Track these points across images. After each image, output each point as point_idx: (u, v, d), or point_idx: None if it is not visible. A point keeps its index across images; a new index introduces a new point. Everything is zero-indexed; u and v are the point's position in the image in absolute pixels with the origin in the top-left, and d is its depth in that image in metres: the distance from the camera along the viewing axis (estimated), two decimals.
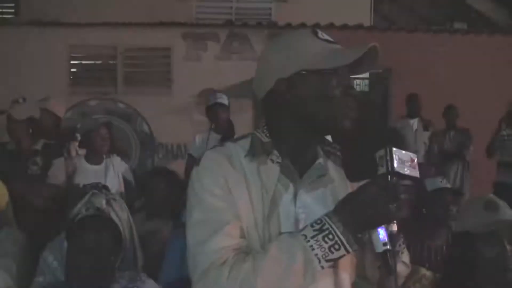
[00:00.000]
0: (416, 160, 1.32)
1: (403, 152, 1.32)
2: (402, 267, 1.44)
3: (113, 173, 4.63)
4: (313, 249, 1.30)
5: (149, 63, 8.04)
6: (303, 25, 7.73)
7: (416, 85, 7.44)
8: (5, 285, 2.44)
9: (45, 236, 3.18)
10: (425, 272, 2.93)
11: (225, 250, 1.33)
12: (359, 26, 8.09)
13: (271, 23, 8.35)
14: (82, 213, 2.16)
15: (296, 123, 1.45)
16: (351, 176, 1.42)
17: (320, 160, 1.47)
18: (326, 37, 1.46)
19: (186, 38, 7.99)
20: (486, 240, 1.99)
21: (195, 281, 1.36)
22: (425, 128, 7.03)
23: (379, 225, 1.31)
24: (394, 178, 1.29)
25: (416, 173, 1.31)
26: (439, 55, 7.97)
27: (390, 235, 1.31)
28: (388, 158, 1.30)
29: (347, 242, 1.30)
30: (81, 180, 4.43)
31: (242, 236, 1.37)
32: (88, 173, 4.51)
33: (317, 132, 1.47)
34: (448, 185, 3.44)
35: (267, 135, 1.47)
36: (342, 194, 1.39)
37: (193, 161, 5.62)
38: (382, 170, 1.31)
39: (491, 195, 2.17)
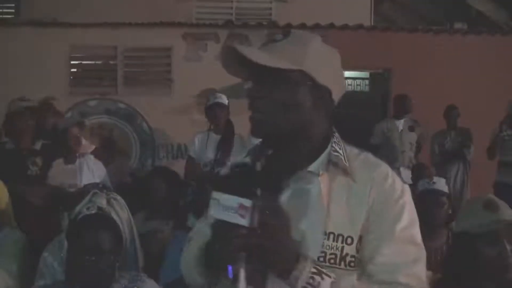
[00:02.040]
0: (249, 206, 1.26)
1: (230, 196, 1.28)
2: None
3: (88, 171, 4.65)
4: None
5: (149, 63, 8.04)
6: (303, 25, 7.73)
7: (416, 85, 7.44)
8: (5, 285, 2.44)
9: (45, 236, 3.18)
10: None
11: (194, 234, 1.62)
12: (359, 26, 8.09)
13: (271, 23, 8.35)
14: (83, 212, 2.16)
15: None
16: None
17: (311, 167, 1.46)
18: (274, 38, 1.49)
19: (186, 38, 7.98)
20: (486, 240, 1.99)
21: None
22: (411, 129, 7.02)
23: (226, 266, 1.33)
24: (216, 224, 1.30)
25: (242, 221, 1.26)
26: (439, 55, 7.97)
27: (235, 275, 1.32)
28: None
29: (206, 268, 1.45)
30: (57, 179, 4.48)
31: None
32: (63, 172, 4.55)
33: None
34: (439, 187, 3.44)
35: None
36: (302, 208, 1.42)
37: (192, 162, 5.63)
38: None
39: (491, 195, 2.17)
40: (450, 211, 3.40)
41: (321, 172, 1.45)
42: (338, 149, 1.49)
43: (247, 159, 1.52)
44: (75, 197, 2.42)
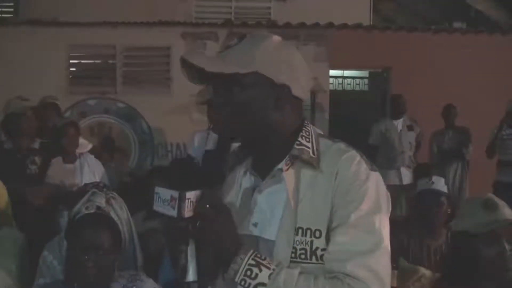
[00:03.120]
0: (176, 198, 1.33)
1: (165, 190, 1.36)
2: None
3: (88, 171, 4.66)
4: None
5: (149, 63, 8.03)
6: (302, 25, 7.73)
7: (415, 84, 7.45)
8: (5, 285, 2.44)
9: (44, 235, 3.18)
10: (424, 271, 2.93)
11: None
12: (359, 26, 8.08)
13: (270, 22, 8.35)
14: (82, 212, 2.16)
15: None
16: None
17: (281, 165, 1.47)
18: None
19: (186, 37, 7.98)
20: (485, 240, 1.99)
21: None
22: (410, 128, 7.02)
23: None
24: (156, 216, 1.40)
25: (170, 212, 1.34)
26: (438, 54, 7.97)
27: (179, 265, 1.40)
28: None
29: None
30: (56, 178, 4.48)
31: None
32: (63, 171, 4.55)
33: None
34: (438, 187, 3.44)
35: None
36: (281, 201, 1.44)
37: (192, 161, 5.62)
38: None
39: (490, 195, 2.17)
40: (449, 211, 3.40)
41: (285, 168, 1.45)
42: (304, 142, 1.47)
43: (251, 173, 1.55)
44: (75, 196, 2.42)
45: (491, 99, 6.98)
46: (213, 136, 5.53)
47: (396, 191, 6.09)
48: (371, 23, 8.79)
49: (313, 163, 1.43)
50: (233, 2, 8.72)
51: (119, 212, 2.22)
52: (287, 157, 1.46)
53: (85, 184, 4.04)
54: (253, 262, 1.35)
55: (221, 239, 1.36)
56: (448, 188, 3.59)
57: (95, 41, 7.75)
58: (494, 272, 1.98)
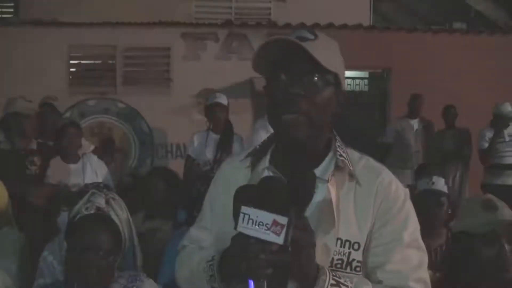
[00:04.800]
0: (284, 224, 1.20)
1: (262, 212, 1.21)
2: None
3: (91, 171, 4.65)
4: (204, 271, 1.46)
5: (149, 63, 8.04)
6: (302, 25, 7.73)
7: (415, 85, 7.44)
8: (4, 285, 2.43)
9: (44, 236, 3.18)
10: None
11: (191, 241, 1.64)
12: (359, 26, 8.09)
13: (270, 23, 8.35)
14: (82, 212, 2.16)
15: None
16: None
17: (317, 170, 1.43)
18: (296, 35, 1.42)
19: (186, 37, 7.98)
20: (485, 240, 1.98)
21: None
22: (426, 128, 7.03)
23: (247, 279, 1.26)
24: (242, 239, 1.23)
25: (275, 239, 1.20)
26: (438, 55, 7.97)
27: None
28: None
29: (220, 280, 1.41)
30: (59, 179, 4.48)
31: (207, 237, 1.59)
32: (66, 172, 4.54)
33: (276, 138, 1.50)
34: (438, 187, 3.44)
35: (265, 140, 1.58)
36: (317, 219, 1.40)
37: (191, 162, 5.63)
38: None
39: (490, 195, 2.17)
40: (449, 211, 3.40)
41: (330, 178, 1.43)
42: (342, 153, 1.47)
43: (274, 173, 1.47)
44: (76, 196, 2.42)
45: (491, 100, 6.97)
46: (213, 137, 5.54)
47: (410, 192, 6.10)
48: (371, 23, 8.79)
49: (353, 175, 1.46)
50: (233, 2, 8.72)
51: (119, 212, 2.21)
52: (329, 166, 1.45)
53: (86, 185, 4.05)
54: (334, 282, 1.34)
55: (308, 261, 1.31)
56: (448, 188, 3.59)
57: (95, 41, 7.76)
58: (494, 272, 1.98)
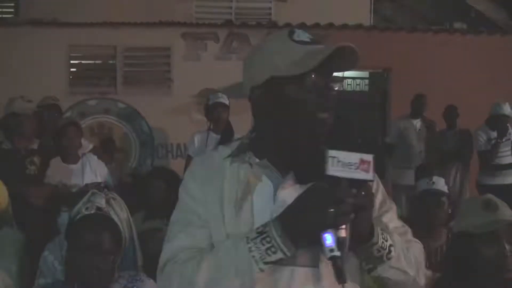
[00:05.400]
0: (370, 161, 1.25)
1: (349, 153, 1.25)
2: (391, 272, 1.42)
3: (90, 171, 4.65)
4: (251, 251, 1.34)
5: (149, 63, 8.04)
6: (303, 25, 7.72)
7: (415, 85, 7.44)
8: (4, 285, 2.44)
9: (44, 236, 3.18)
10: (424, 271, 2.93)
11: (182, 248, 1.45)
12: (359, 26, 8.09)
13: (270, 23, 8.35)
14: (82, 212, 2.16)
15: (275, 126, 1.47)
16: (301, 178, 1.36)
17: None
18: (303, 37, 1.45)
19: (186, 37, 7.98)
20: (485, 240, 1.99)
21: (157, 275, 1.52)
22: (428, 128, 7.03)
23: (322, 230, 1.27)
24: (331, 182, 1.24)
25: (366, 176, 1.24)
26: (439, 55, 7.97)
27: (338, 241, 1.26)
28: (324, 161, 1.25)
29: (284, 245, 1.32)
30: (59, 179, 4.47)
31: (205, 236, 1.45)
32: (66, 172, 4.54)
33: (293, 138, 1.46)
34: (439, 187, 3.44)
35: (250, 136, 1.53)
36: None
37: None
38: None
39: (490, 195, 2.17)
40: (449, 211, 3.40)
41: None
42: None
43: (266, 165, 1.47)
44: (76, 196, 2.42)
45: (491, 100, 6.97)
46: (213, 137, 5.55)
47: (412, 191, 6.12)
48: (371, 23, 8.79)
49: None
50: (233, 2, 8.72)
51: (119, 212, 2.21)
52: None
53: (86, 185, 4.05)
54: (380, 232, 1.40)
55: (372, 212, 1.37)
56: (448, 189, 3.60)
57: (96, 41, 7.76)
58: (494, 272, 1.98)
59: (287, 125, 1.44)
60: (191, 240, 1.46)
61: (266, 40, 1.53)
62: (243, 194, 1.44)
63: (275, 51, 1.44)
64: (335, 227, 1.26)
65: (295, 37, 1.44)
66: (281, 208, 1.38)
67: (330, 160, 1.24)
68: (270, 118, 1.47)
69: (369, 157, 1.24)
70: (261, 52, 1.49)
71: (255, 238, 1.34)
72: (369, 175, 1.25)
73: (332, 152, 1.25)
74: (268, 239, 1.33)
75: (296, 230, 1.32)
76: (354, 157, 1.24)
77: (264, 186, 1.44)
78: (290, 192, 1.41)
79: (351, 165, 1.24)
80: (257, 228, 1.36)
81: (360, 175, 1.24)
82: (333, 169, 1.24)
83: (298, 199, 1.33)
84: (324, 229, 1.27)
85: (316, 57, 1.38)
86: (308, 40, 1.44)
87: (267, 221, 1.36)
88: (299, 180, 1.42)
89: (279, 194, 1.43)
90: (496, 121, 6.58)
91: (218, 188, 1.46)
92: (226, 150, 1.53)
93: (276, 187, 1.44)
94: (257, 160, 1.47)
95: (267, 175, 1.46)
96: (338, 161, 1.24)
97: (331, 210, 1.25)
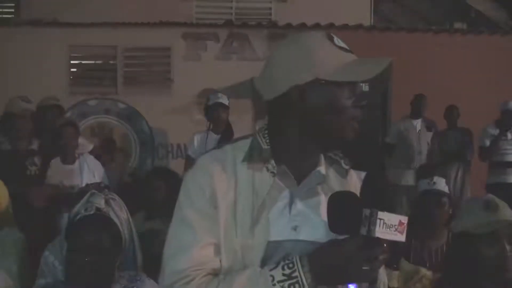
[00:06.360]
0: (405, 223, 1.28)
1: (392, 215, 1.28)
2: None
3: (88, 171, 4.65)
4: None
5: (149, 63, 8.04)
6: (303, 25, 7.73)
7: (416, 85, 7.44)
8: (5, 285, 2.44)
9: (45, 236, 3.18)
10: (425, 272, 2.93)
11: (189, 271, 1.37)
12: (359, 26, 8.09)
13: (271, 23, 8.35)
14: (82, 213, 2.16)
15: (301, 131, 1.42)
16: (335, 227, 1.34)
17: (320, 168, 1.46)
18: (342, 44, 1.43)
19: (186, 38, 7.98)
20: (486, 240, 1.99)
21: None
22: (429, 128, 7.03)
23: (349, 283, 1.32)
24: (373, 243, 1.28)
25: (401, 238, 1.28)
26: (439, 55, 7.97)
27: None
28: (370, 221, 1.27)
29: None
30: (59, 179, 4.47)
31: (214, 254, 1.38)
32: (63, 172, 4.54)
33: (322, 142, 1.44)
34: (439, 187, 3.44)
35: (267, 141, 1.44)
36: None
37: (192, 162, 5.63)
38: (363, 230, 1.27)
39: (491, 195, 2.17)
40: (450, 211, 3.40)
41: (323, 171, 1.49)
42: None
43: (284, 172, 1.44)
44: (76, 196, 2.42)
45: (491, 100, 6.98)
46: (213, 137, 5.54)
47: (412, 192, 6.12)
48: (372, 23, 8.79)
49: (340, 169, 1.51)
50: (233, 2, 8.72)
51: (119, 213, 2.21)
52: (323, 161, 1.48)
53: (87, 185, 4.05)
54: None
55: None
56: (449, 189, 3.60)
57: (96, 41, 7.76)
58: (494, 273, 1.98)
59: (320, 127, 1.41)
60: (196, 260, 1.39)
61: (305, 39, 1.44)
62: (261, 207, 1.38)
63: (323, 55, 1.39)
64: (365, 282, 1.33)
65: (336, 43, 1.41)
66: (297, 218, 1.40)
67: (378, 222, 1.27)
68: (300, 121, 1.41)
69: (405, 219, 1.28)
70: (305, 52, 1.40)
71: (283, 281, 1.31)
72: (402, 237, 1.29)
73: (381, 214, 1.27)
74: (297, 285, 1.31)
75: (326, 280, 1.33)
76: (395, 219, 1.27)
77: (284, 198, 1.42)
78: (306, 202, 1.42)
79: (392, 227, 1.27)
80: (283, 268, 1.32)
81: (396, 237, 1.28)
82: (379, 231, 1.27)
83: (331, 249, 1.32)
84: (354, 282, 1.33)
85: (365, 69, 1.40)
86: (347, 48, 1.43)
87: (293, 259, 1.33)
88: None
89: (295, 204, 1.42)
90: (504, 117, 6.58)
91: (231, 193, 1.39)
92: (235, 151, 1.44)
93: (292, 194, 1.42)
94: (276, 166, 1.42)
95: (284, 183, 1.42)
96: (384, 223, 1.27)
97: (366, 268, 1.29)
